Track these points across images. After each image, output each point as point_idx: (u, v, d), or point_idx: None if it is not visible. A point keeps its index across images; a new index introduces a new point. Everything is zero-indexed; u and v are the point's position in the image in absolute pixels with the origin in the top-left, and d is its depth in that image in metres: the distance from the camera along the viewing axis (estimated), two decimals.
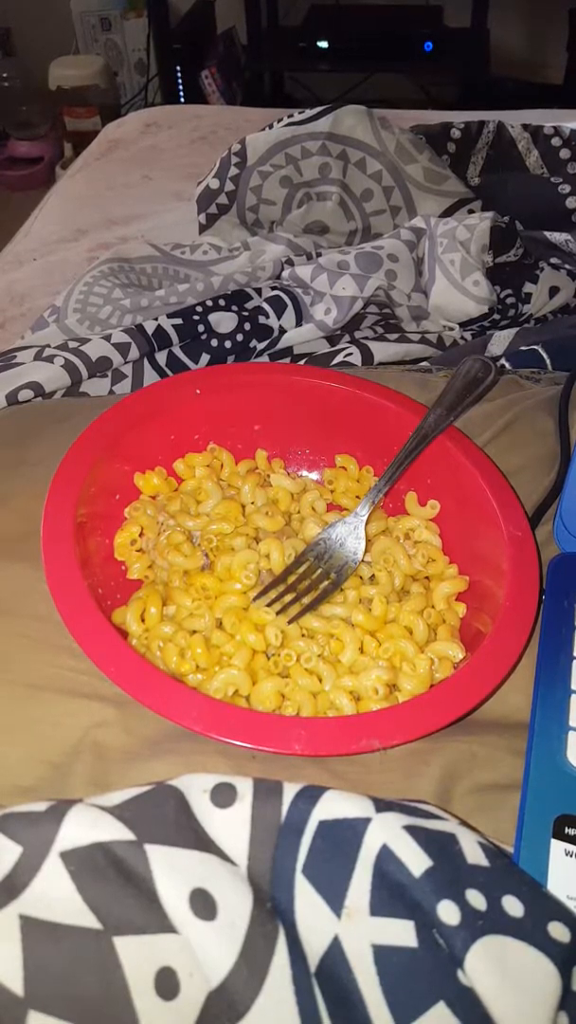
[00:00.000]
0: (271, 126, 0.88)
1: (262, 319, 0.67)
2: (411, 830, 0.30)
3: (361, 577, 0.47)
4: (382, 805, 0.31)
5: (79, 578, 0.40)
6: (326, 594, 0.45)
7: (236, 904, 0.28)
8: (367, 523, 0.48)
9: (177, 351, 0.64)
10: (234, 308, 0.66)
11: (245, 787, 0.31)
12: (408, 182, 0.82)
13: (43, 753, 0.38)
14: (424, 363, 0.66)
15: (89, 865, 0.28)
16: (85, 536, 0.43)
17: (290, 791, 0.31)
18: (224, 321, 0.66)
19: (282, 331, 0.68)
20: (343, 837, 0.30)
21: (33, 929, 0.27)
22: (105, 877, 0.28)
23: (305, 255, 0.75)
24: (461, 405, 0.50)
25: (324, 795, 0.31)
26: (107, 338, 0.62)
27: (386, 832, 0.30)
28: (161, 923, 0.27)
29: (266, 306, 0.67)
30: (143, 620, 0.43)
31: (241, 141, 0.85)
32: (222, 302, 0.66)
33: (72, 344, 0.62)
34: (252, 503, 0.50)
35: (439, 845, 0.30)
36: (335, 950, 0.28)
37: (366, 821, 0.30)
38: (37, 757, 0.38)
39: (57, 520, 0.42)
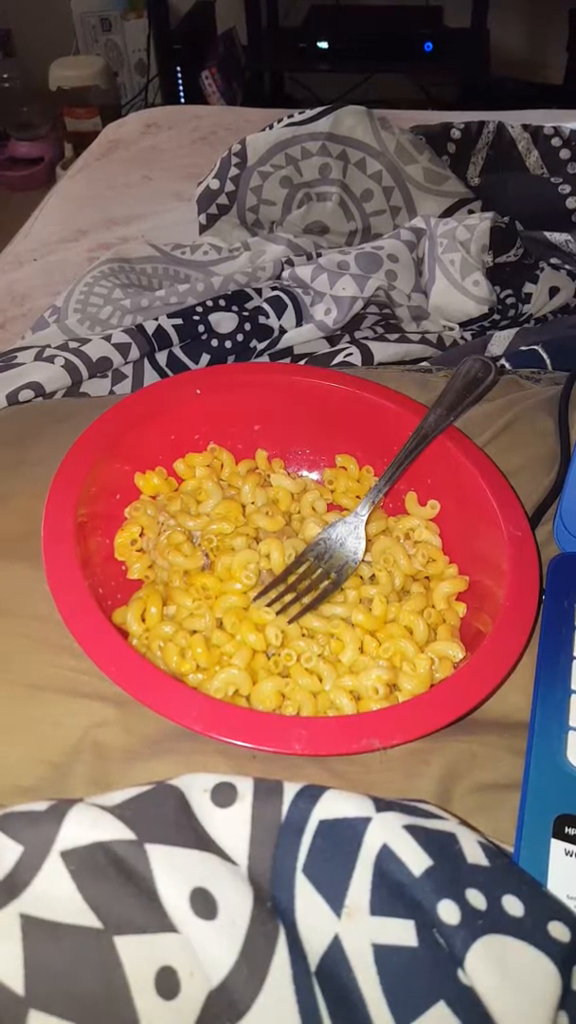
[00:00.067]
0: (271, 126, 0.88)
1: (262, 319, 0.67)
2: (411, 829, 0.30)
3: (361, 577, 0.47)
4: (382, 804, 0.31)
5: (79, 578, 0.40)
6: (326, 594, 0.45)
7: (236, 903, 0.28)
8: (367, 523, 0.48)
9: (177, 351, 0.64)
10: (234, 308, 0.66)
11: (245, 787, 0.31)
12: (408, 182, 0.82)
13: (43, 753, 0.38)
14: (424, 363, 0.66)
15: (90, 864, 0.28)
16: (85, 536, 0.43)
17: (290, 791, 0.31)
18: (224, 321, 0.66)
19: (282, 331, 0.68)
20: (343, 836, 0.30)
21: (34, 928, 0.27)
22: (106, 876, 0.28)
23: (305, 255, 0.75)
24: (461, 405, 0.50)
25: (324, 794, 0.31)
26: (107, 338, 0.62)
27: (386, 831, 0.30)
28: (161, 922, 0.27)
29: (266, 306, 0.67)
30: (143, 620, 0.43)
31: (241, 141, 0.85)
32: (222, 302, 0.66)
33: (72, 344, 0.62)
34: (252, 503, 0.50)
35: (439, 845, 0.30)
36: (335, 949, 0.28)
37: (366, 820, 0.30)
38: (37, 757, 0.38)
39: (57, 520, 0.42)
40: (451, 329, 0.71)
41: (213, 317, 0.65)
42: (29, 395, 0.59)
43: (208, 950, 0.27)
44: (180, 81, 2.13)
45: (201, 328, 0.65)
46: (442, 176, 0.82)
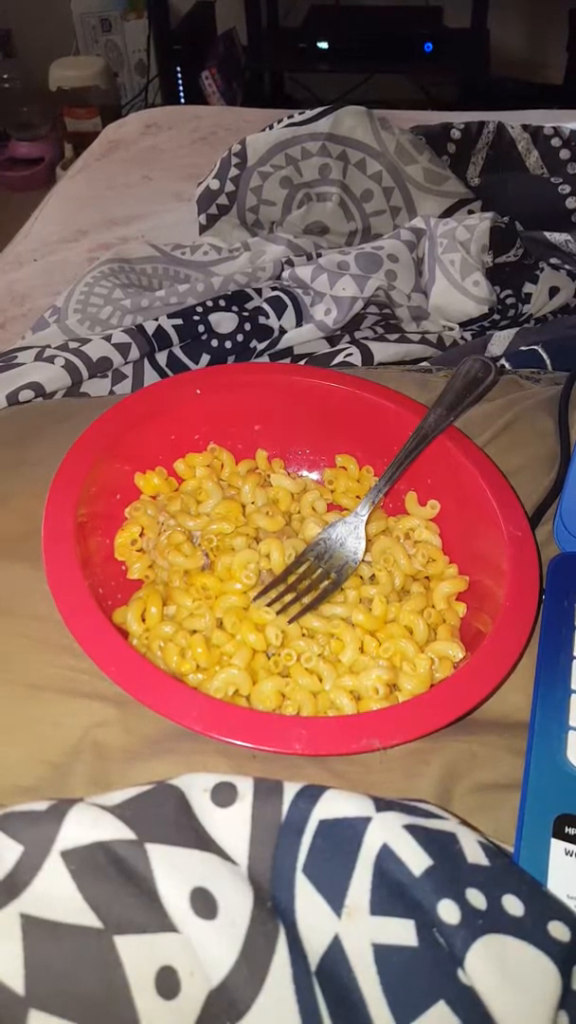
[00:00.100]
0: (271, 127, 0.88)
1: (262, 319, 0.67)
2: (411, 829, 0.30)
3: (361, 577, 0.47)
4: (382, 804, 0.31)
5: (79, 578, 0.40)
6: (326, 594, 0.45)
7: (237, 903, 0.28)
8: (367, 523, 0.48)
9: (177, 351, 0.64)
10: (234, 308, 0.66)
11: (245, 786, 0.31)
12: (408, 183, 0.82)
13: (43, 753, 0.38)
14: (424, 363, 0.66)
15: (90, 864, 0.28)
16: (85, 536, 0.43)
17: (290, 790, 0.31)
18: (224, 321, 0.66)
19: (282, 331, 0.68)
20: (343, 836, 0.30)
21: (34, 928, 0.27)
22: (106, 876, 0.28)
23: (305, 256, 0.75)
24: (461, 405, 0.50)
25: (324, 794, 0.31)
26: (107, 338, 0.62)
27: (386, 831, 0.30)
28: (162, 922, 0.27)
29: (266, 306, 0.67)
30: (143, 620, 0.43)
31: (241, 142, 0.85)
32: (222, 302, 0.66)
33: (73, 344, 0.62)
34: (252, 503, 0.50)
35: (439, 844, 0.30)
36: (335, 949, 0.28)
37: (366, 820, 0.30)
38: (37, 757, 0.38)
39: (57, 520, 0.42)
40: (451, 329, 0.71)
41: (213, 317, 0.65)
42: (29, 395, 0.59)
43: (208, 950, 0.27)
44: (180, 81, 2.13)
45: (201, 328, 0.65)
46: (442, 176, 0.82)
